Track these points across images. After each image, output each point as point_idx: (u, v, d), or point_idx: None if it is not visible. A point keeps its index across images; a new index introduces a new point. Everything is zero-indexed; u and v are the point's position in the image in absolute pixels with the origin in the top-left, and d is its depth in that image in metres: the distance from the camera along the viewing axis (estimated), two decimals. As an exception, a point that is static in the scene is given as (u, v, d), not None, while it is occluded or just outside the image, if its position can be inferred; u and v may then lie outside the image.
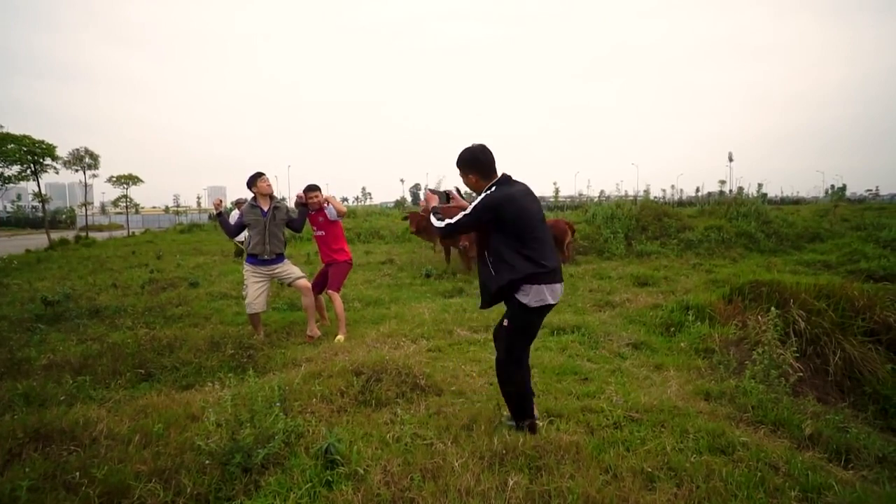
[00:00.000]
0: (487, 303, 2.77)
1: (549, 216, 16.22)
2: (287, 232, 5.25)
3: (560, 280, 2.71)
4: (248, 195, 5.18)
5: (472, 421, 2.87)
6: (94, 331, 5.42)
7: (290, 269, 5.08)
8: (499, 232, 2.63)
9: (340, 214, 5.23)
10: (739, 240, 12.70)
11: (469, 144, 2.78)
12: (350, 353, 4.13)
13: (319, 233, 5.27)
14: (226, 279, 8.79)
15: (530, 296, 2.59)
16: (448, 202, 3.01)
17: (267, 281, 5.02)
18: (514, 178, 2.77)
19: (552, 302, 2.65)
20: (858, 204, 31.27)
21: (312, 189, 5.21)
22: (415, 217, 11.50)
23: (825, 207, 18.92)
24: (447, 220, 2.75)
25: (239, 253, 11.42)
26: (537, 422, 2.80)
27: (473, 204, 2.65)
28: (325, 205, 5.18)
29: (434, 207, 2.92)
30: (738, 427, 2.97)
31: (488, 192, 2.65)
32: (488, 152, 2.73)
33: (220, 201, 5.01)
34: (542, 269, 2.59)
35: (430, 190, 3.05)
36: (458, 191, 3.13)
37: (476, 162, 2.71)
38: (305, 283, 5.05)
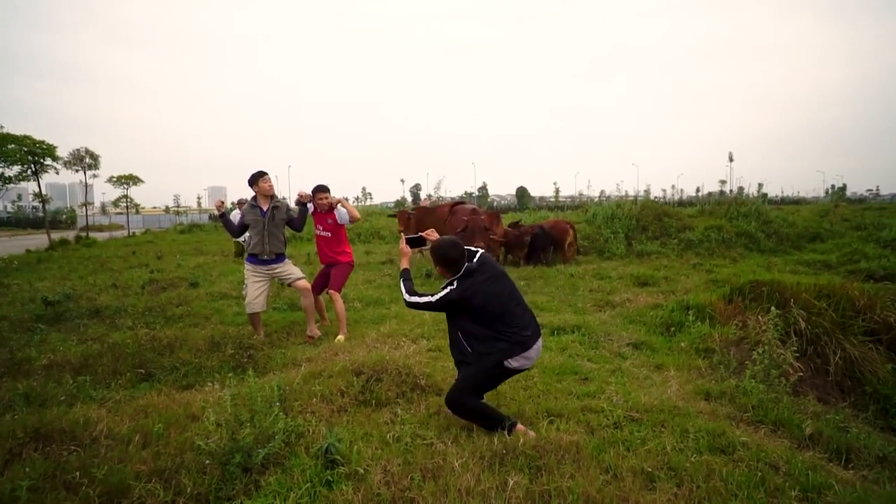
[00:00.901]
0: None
1: (549, 216, 16.23)
2: (288, 231, 5.21)
3: (539, 334, 2.85)
4: (249, 194, 5.16)
5: (473, 421, 2.87)
6: (94, 331, 5.42)
7: (290, 270, 5.06)
8: (467, 317, 2.77)
9: (353, 220, 5.15)
10: (740, 240, 12.70)
11: (442, 238, 2.92)
12: (350, 353, 4.12)
13: (325, 234, 5.21)
14: (226, 279, 8.79)
15: (515, 363, 2.76)
16: (424, 245, 3.15)
17: (267, 281, 5.00)
18: (479, 259, 2.84)
19: (530, 365, 2.85)
20: (859, 204, 31.33)
21: (322, 190, 5.14)
22: (403, 215, 11.51)
23: (825, 207, 18.93)
24: (415, 298, 2.88)
25: (240, 253, 11.42)
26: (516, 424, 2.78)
27: (438, 296, 2.78)
28: (336, 207, 5.14)
29: (405, 271, 3.05)
30: (738, 427, 2.97)
31: (451, 286, 2.77)
32: (457, 248, 2.82)
33: (222, 202, 5.01)
34: (523, 338, 2.75)
35: (407, 239, 3.16)
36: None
37: (443, 258, 2.84)
38: (305, 283, 5.02)
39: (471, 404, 2.74)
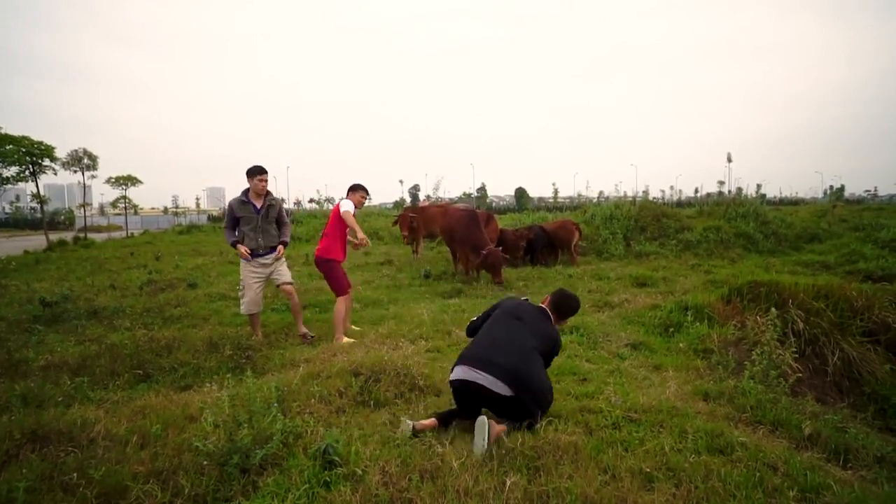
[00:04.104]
0: None
1: (548, 217, 16.23)
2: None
3: (495, 374, 2.77)
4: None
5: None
6: (92, 332, 5.41)
7: (282, 270, 5.16)
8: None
9: (349, 227, 5.12)
10: (738, 240, 12.69)
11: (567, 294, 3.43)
12: (348, 353, 4.12)
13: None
14: (224, 280, 8.78)
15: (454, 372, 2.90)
16: None
17: (263, 279, 5.06)
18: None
19: (460, 379, 2.85)
20: (857, 204, 31.32)
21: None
22: (404, 218, 11.48)
23: (824, 208, 18.93)
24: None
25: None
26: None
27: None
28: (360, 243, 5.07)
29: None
30: (736, 427, 2.97)
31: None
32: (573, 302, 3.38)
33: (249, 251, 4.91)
34: (472, 351, 2.95)
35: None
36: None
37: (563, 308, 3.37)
38: (292, 288, 5.16)
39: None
